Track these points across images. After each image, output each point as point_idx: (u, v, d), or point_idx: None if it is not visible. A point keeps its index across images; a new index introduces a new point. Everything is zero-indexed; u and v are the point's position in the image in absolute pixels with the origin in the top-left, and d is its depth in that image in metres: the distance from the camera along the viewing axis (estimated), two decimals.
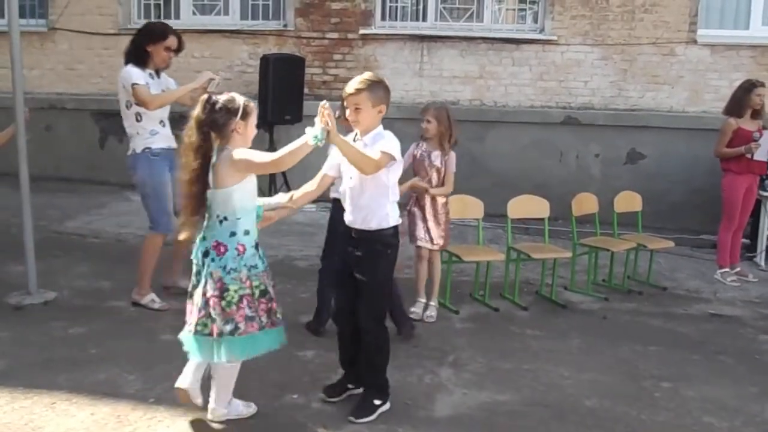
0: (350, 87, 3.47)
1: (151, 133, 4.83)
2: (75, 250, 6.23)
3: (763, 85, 6.18)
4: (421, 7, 8.33)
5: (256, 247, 3.36)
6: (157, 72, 4.92)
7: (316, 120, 3.10)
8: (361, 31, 8.21)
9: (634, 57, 7.99)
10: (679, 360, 4.61)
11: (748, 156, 6.09)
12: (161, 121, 4.89)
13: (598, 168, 8.06)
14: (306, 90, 8.07)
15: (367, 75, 3.52)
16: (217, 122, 3.21)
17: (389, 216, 3.54)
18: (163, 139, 4.86)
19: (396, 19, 8.34)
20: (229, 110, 3.22)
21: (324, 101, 3.19)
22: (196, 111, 3.24)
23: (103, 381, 3.86)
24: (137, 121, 4.81)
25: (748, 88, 6.19)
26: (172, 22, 8.46)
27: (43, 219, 6.65)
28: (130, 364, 4.05)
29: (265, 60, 7.54)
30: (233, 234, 3.27)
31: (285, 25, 8.35)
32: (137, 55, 4.80)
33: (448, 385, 4.03)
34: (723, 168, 6.33)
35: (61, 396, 3.66)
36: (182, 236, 3.36)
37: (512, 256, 5.64)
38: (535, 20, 8.24)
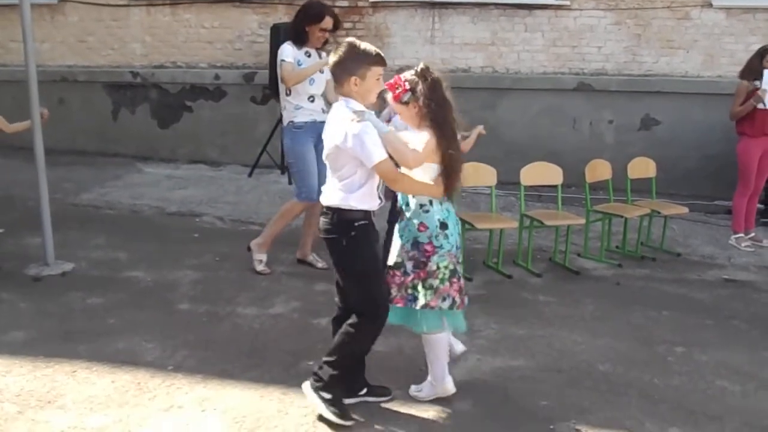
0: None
1: (296, 107, 5.00)
2: (91, 222, 6.28)
3: None
4: None
5: (443, 226, 3.37)
6: (318, 51, 5.01)
7: None
8: None
9: (648, 21, 7.87)
10: (692, 325, 4.62)
11: (759, 106, 6.03)
12: (310, 97, 4.99)
13: (611, 134, 7.99)
14: None
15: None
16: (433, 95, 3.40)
17: None
18: (307, 113, 4.98)
19: None
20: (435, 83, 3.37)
21: None
22: (424, 84, 3.38)
23: (122, 350, 3.92)
24: (287, 95, 5.00)
25: (761, 53, 6.21)
26: None
27: (58, 191, 6.70)
28: (148, 333, 4.12)
29: (276, 29, 7.48)
30: (426, 211, 3.34)
31: None
32: (296, 34, 4.97)
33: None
34: (738, 132, 6.30)
35: (82, 365, 3.73)
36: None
37: (525, 224, 5.64)
38: None
